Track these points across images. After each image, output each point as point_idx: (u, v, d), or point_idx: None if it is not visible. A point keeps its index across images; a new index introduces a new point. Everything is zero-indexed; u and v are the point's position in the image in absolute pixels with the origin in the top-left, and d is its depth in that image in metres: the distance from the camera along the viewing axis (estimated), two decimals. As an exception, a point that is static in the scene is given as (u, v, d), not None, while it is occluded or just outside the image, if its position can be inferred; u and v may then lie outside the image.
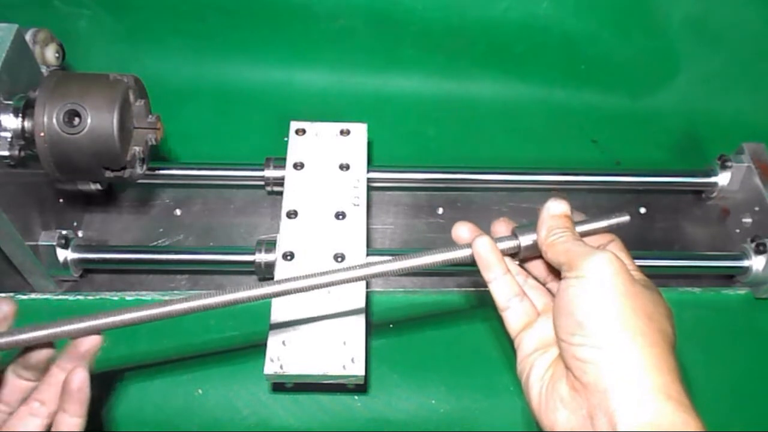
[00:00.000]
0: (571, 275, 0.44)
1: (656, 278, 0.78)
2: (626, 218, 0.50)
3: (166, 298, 0.73)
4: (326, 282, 0.50)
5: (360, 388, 0.67)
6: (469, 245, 0.50)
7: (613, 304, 0.41)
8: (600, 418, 0.39)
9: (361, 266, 0.50)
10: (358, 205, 0.71)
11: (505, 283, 0.49)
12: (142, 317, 0.48)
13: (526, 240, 0.49)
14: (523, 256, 0.50)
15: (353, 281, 0.50)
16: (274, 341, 0.60)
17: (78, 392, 0.47)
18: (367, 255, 0.69)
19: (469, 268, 0.74)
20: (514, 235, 0.50)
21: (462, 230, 0.51)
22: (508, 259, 0.50)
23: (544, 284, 0.52)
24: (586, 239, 0.48)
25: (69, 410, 0.47)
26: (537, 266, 0.52)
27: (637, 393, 0.39)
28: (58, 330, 0.47)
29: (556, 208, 0.48)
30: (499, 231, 0.52)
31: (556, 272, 0.50)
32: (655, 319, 0.42)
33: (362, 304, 0.63)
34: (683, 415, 0.38)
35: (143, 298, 0.74)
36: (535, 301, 0.50)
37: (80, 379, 0.47)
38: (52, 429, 0.48)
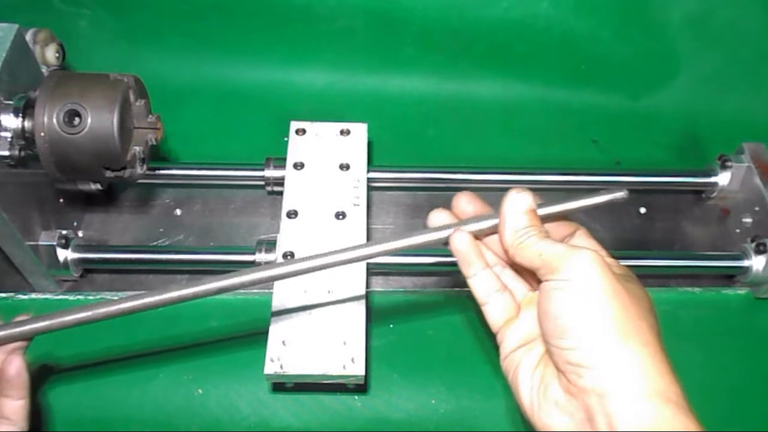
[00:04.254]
0: (553, 278, 0.42)
1: (656, 278, 0.80)
2: (623, 194, 0.47)
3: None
4: (303, 269, 0.49)
5: (360, 387, 0.67)
6: (449, 226, 0.48)
7: (601, 308, 0.40)
8: (600, 421, 0.39)
9: (341, 251, 0.49)
10: (358, 205, 0.71)
11: (484, 278, 0.48)
12: (133, 307, 0.49)
13: None
14: None
15: (330, 267, 0.50)
16: (274, 341, 0.61)
17: (17, 378, 0.49)
18: (367, 255, 0.69)
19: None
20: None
21: (439, 218, 0.50)
22: (484, 248, 0.49)
23: (510, 265, 0.50)
24: (551, 232, 0.46)
25: (11, 395, 0.49)
26: (496, 243, 0.49)
27: (635, 396, 0.38)
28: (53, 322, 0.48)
29: (516, 205, 0.46)
30: (462, 206, 0.50)
31: (527, 272, 0.49)
32: (642, 315, 0.41)
33: (362, 303, 0.63)
34: (682, 418, 0.38)
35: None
36: (515, 292, 0.49)
37: (17, 366, 0.49)
38: None
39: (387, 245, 0.49)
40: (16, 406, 0.49)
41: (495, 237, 0.49)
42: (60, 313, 0.49)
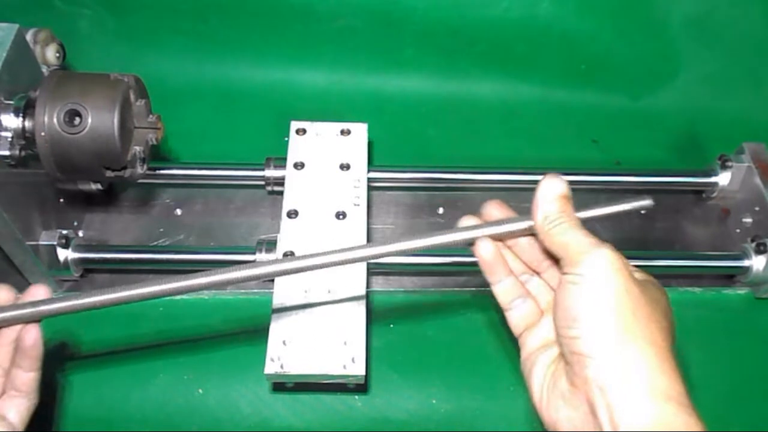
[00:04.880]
0: (570, 271, 0.43)
1: (656, 278, 0.79)
2: (649, 202, 0.47)
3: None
4: (305, 266, 0.48)
5: (360, 387, 0.67)
6: (476, 227, 0.48)
7: (610, 303, 0.41)
8: (602, 416, 0.39)
9: (358, 248, 0.48)
10: (358, 205, 0.71)
11: (508, 286, 0.49)
12: (127, 297, 0.47)
13: None
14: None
15: (344, 264, 0.48)
16: (274, 341, 0.61)
17: (32, 349, 0.48)
18: (368, 255, 0.69)
19: (469, 268, 0.75)
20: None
21: (468, 224, 0.50)
22: (512, 256, 0.49)
23: (539, 273, 0.50)
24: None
25: (24, 366, 0.49)
26: (530, 252, 0.49)
27: (636, 392, 0.38)
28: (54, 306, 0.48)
29: (551, 190, 0.46)
30: (491, 214, 0.50)
31: (552, 258, 0.48)
32: (654, 318, 0.42)
33: (363, 303, 0.63)
34: (685, 417, 0.38)
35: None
36: (540, 299, 0.49)
37: (33, 336, 0.48)
38: (8, 385, 0.49)
39: (415, 242, 0.48)
40: (28, 378, 0.49)
41: (525, 245, 0.49)
42: (74, 295, 0.48)
